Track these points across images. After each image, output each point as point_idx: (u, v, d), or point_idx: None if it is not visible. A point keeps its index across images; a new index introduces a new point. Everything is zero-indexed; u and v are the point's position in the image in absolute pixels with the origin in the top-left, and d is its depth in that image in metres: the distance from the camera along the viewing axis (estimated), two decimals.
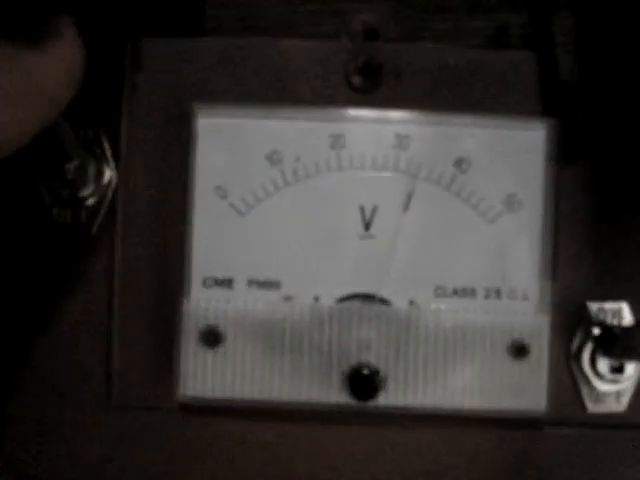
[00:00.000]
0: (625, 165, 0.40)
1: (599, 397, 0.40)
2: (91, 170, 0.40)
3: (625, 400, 0.40)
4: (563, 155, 0.39)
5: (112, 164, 0.40)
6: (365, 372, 0.38)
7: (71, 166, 0.39)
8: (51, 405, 0.40)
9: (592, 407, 0.40)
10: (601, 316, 0.40)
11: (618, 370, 0.39)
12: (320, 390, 0.38)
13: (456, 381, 0.38)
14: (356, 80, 0.39)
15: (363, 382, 0.38)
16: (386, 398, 0.38)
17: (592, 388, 0.40)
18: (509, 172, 0.39)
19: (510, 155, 0.39)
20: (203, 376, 0.38)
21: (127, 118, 0.40)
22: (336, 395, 0.38)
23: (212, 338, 0.38)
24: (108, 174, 0.40)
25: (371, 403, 0.38)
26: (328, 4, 0.40)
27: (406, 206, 0.38)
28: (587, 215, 0.40)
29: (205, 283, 0.39)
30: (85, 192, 0.40)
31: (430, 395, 0.38)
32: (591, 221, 0.40)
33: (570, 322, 0.40)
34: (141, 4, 0.40)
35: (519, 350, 0.38)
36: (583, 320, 0.40)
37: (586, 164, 0.40)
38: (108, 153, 0.40)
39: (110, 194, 0.40)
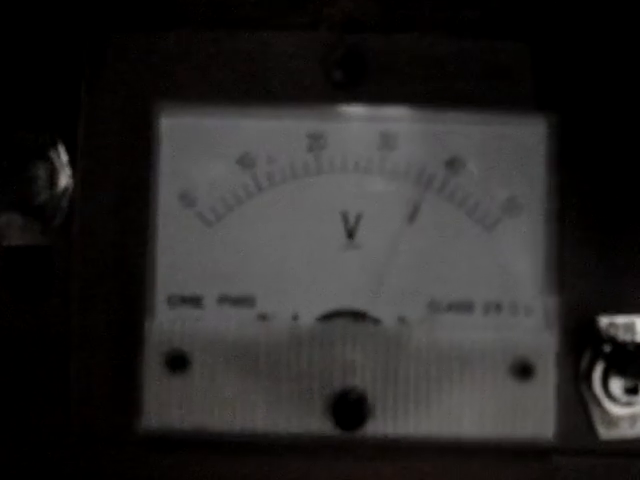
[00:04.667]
0: (633, 164, 0.37)
1: (612, 421, 0.37)
2: (44, 177, 0.36)
3: None
4: (566, 153, 0.36)
5: (68, 170, 0.37)
6: (351, 398, 0.35)
7: (24, 173, 0.36)
8: (5, 437, 0.36)
9: (604, 433, 0.37)
10: (612, 331, 0.37)
11: (632, 391, 0.36)
12: (301, 419, 0.35)
13: (453, 407, 0.35)
14: (336, 74, 0.37)
15: (349, 409, 0.35)
16: (375, 427, 0.35)
17: (604, 411, 0.37)
18: (507, 173, 0.36)
19: (508, 154, 0.36)
20: (168, 405, 0.35)
21: (85, 120, 0.37)
22: (318, 424, 0.35)
23: (178, 362, 0.35)
24: (64, 181, 0.37)
25: (358, 433, 0.35)
26: None
27: (412, 218, 0.36)
28: (595, 219, 0.37)
29: (170, 301, 0.36)
30: (38, 200, 0.36)
31: (424, 423, 0.35)
32: (600, 226, 0.37)
33: (578, 338, 0.37)
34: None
35: (523, 370, 0.35)
36: (593, 336, 0.37)
37: (591, 163, 0.37)
38: (64, 158, 0.37)
39: (66, 203, 0.37)
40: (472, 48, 0.37)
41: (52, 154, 0.37)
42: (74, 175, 0.37)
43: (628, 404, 0.36)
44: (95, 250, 0.36)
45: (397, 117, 0.36)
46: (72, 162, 0.37)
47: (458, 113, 0.36)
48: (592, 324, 0.37)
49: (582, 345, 0.37)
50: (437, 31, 0.37)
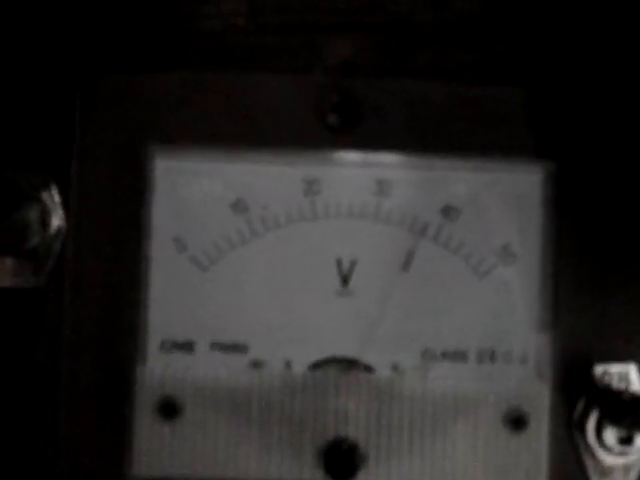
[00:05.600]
0: (628, 212, 0.37)
1: (605, 471, 0.36)
2: (36, 219, 0.36)
3: (634, 475, 0.37)
4: (561, 201, 0.36)
5: (61, 212, 0.36)
6: (343, 447, 0.34)
7: (16, 215, 0.35)
8: None
9: None
10: (607, 380, 0.36)
11: (627, 441, 0.36)
12: (292, 468, 0.35)
13: (445, 457, 0.35)
14: (332, 119, 0.36)
15: (341, 459, 0.34)
16: (366, 477, 0.35)
17: (598, 461, 0.36)
18: (502, 221, 0.36)
19: (503, 202, 0.36)
20: (159, 452, 0.34)
21: (78, 162, 0.36)
22: (310, 473, 0.35)
23: (170, 409, 0.35)
24: (56, 223, 0.36)
25: None
26: (301, 35, 0.37)
27: (406, 266, 0.35)
28: (589, 268, 0.36)
29: (163, 347, 0.35)
30: (30, 243, 0.36)
31: (416, 474, 0.34)
32: (594, 275, 0.36)
33: (572, 387, 0.36)
34: (94, 40, 0.37)
35: (516, 421, 0.35)
36: (587, 385, 0.36)
37: (586, 211, 0.36)
38: (57, 200, 0.36)
39: (58, 245, 0.36)
40: (468, 93, 0.36)
41: (44, 195, 0.36)
42: (67, 217, 0.36)
43: (622, 454, 0.36)
44: (87, 293, 0.36)
45: (392, 163, 0.36)
46: (65, 204, 0.36)
47: (453, 160, 0.36)
48: (586, 373, 0.36)
49: (576, 394, 0.36)
50: (433, 76, 0.37)
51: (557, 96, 0.36)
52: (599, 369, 0.36)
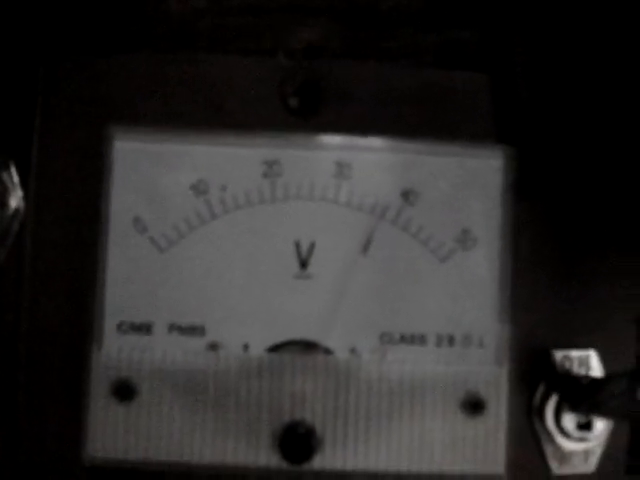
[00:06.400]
0: (589, 198, 0.37)
1: (565, 457, 0.36)
2: None
3: (594, 460, 0.37)
4: (521, 187, 0.36)
5: (20, 192, 0.36)
6: (299, 431, 0.34)
7: None
8: None
9: (557, 469, 0.36)
10: (567, 365, 0.36)
11: (586, 427, 0.36)
12: (248, 451, 0.34)
13: (402, 441, 0.34)
14: (293, 102, 0.36)
15: (297, 442, 0.34)
16: (323, 460, 0.34)
17: (557, 447, 0.36)
18: (462, 205, 0.36)
19: (463, 186, 0.36)
20: (114, 435, 0.34)
21: (39, 142, 0.36)
22: (266, 457, 0.34)
23: (125, 391, 0.34)
24: (14, 203, 0.36)
25: (306, 466, 0.34)
26: (264, 17, 0.37)
27: (365, 249, 0.35)
28: (549, 253, 0.36)
29: (120, 328, 0.35)
30: None
31: (373, 457, 0.34)
32: (553, 259, 0.36)
33: (531, 372, 0.36)
34: (56, 21, 0.37)
35: (474, 405, 0.35)
36: (546, 370, 0.36)
37: (546, 196, 0.36)
38: (16, 180, 0.36)
39: (16, 226, 0.36)
40: (431, 78, 0.36)
41: (3, 176, 0.36)
42: (26, 197, 0.36)
43: (581, 440, 0.36)
44: (45, 273, 0.35)
45: (352, 146, 0.35)
46: (24, 184, 0.36)
47: (415, 143, 0.35)
48: (546, 357, 0.36)
49: (535, 379, 0.36)
50: (396, 60, 0.37)
51: (518, 82, 0.36)
52: (559, 354, 0.36)
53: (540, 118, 0.36)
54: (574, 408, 0.35)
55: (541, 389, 0.36)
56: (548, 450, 0.36)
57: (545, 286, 0.36)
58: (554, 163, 0.36)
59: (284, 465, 0.34)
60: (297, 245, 0.35)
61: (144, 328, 0.35)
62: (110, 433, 0.34)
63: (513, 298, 0.35)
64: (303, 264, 0.35)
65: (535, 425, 0.36)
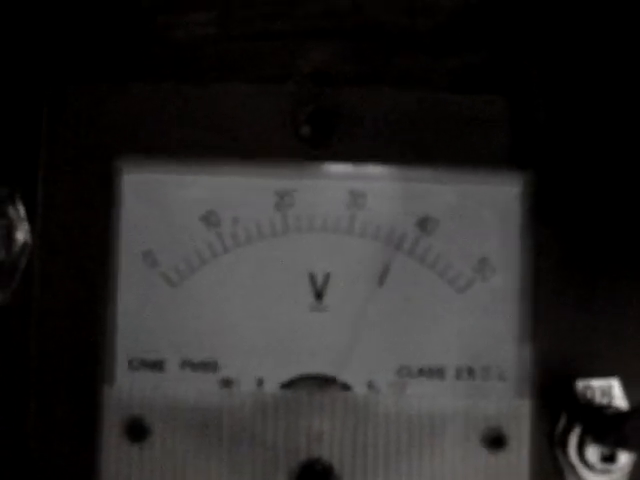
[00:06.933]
0: (611, 222, 0.36)
1: None
2: (1, 234, 0.35)
3: None
4: (541, 212, 0.35)
5: (26, 226, 0.35)
6: (317, 469, 0.33)
7: None
8: None
9: None
10: (589, 395, 0.35)
11: (610, 459, 0.35)
12: None
13: (422, 478, 0.33)
14: (305, 130, 0.35)
15: None
16: None
17: (580, 479, 0.35)
18: (480, 233, 0.35)
19: (481, 214, 0.35)
20: (128, 475, 0.33)
21: (45, 175, 0.35)
22: None
23: (138, 431, 0.33)
24: (22, 237, 0.35)
25: None
26: (273, 42, 0.36)
27: (381, 280, 0.34)
28: (570, 281, 0.35)
29: (132, 365, 0.34)
30: None
31: None
32: (575, 288, 0.35)
33: (553, 403, 0.35)
34: (63, 50, 0.36)
35: (496, 441, 0.34)
36: (568, 400, 0.35)
37: (567, 221, 0.35)
38: (22, 214, 0.35)
39: (24, 261, 0.35)
40: (446, 102, 0.35)
41: (9, 209, 0.35)
42: (33, 232, 0.35)
43: (605, 472, 0.35)
44: (54, 310, 0.35)
45: (366, 175, 0.35)
46: (31, 218, 0.35)
47: (430, 171, 0.35)
48: (568, 388, 0.35)
49: (557, 410, 0.35)
50: (410, 85, 0.36)
51: (536, 105, 0.35)
52: (581, 384, 0.35)
53: (559, 140, 0.35)
54: (598, 441, 0.34)
55: (563, 420, 0.35)
56: None
57: (566, 315, 0.35)
58: (574, 186, 0.35)
59: None
60: (312, 277, 0.35)
61: (156, 365, 0.34)
62: (123, 474, 0.33)
63: (534, 328, 0.35)
64: (318, 295, 0.35)
65: (558, 458, 0.35)
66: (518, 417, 0.34)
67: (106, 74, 0.36)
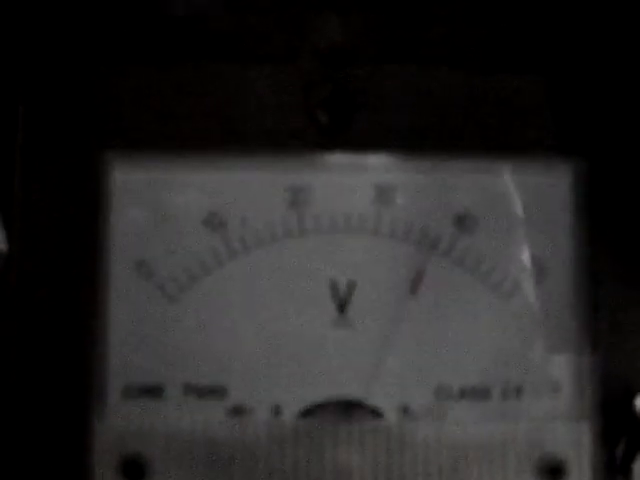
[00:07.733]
0: None
1: None
2: None
3: None
4: (597, 205, 0.33)
5: (2, 234, 0.33)
6: None
7: None
8: None
9: None
10: None
11: None
12: None
13: None
14: (322, 115, 0.33)
15: None
16: None
17: None
18: (527, 231, 0.32)
19: (527, 209, 0.32)
20: None
21: (22, 177, 0.32)
22: None
23: (135, 470, 0.30)
24: None
25: None
26: (284, 17, 0.33)
27: (414, 288, 0.32)
28: (634, 284, 0.33)
29: (126, 393, 0.31)
30: None
31: None
32: (637, 290, 0.33)
33: (613, 425, 0.32)
34: (37, 30, 0.33)
35: (553, 470, 0.31)
36: (627, 421, 0.32)
37: (627, 215, 0.33)
38: None
39: None
40: (482, 84, 0.33)
41: None
42: (10, 239, 0.32)
43: None
44: (35, 332, 0.31)
45: (393, 166, 0.32)
46: (7, 224, 0.32)
47: (467, 161, 0.32)
48: (626, 406, 0.32)
49: (618, 433, 0.32)
50: (441, 64, 0.33)
51: (585, 84, 0.33)
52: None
53: (612, 125, 0.33)
54: None
55: (623, 444, 0.32)
56: None
57: (628, 320, 0.32)
58: (633, 175, 0.33)
59: None
60: (333, 286, 0.32)
61: (154, 391, 0.31)
62: None
63: (592, 338, 0.32)
64: (341, 308, 0.32)
65: None
66: (577, 441, 0.31)
67: (87, 57, 0.33)
